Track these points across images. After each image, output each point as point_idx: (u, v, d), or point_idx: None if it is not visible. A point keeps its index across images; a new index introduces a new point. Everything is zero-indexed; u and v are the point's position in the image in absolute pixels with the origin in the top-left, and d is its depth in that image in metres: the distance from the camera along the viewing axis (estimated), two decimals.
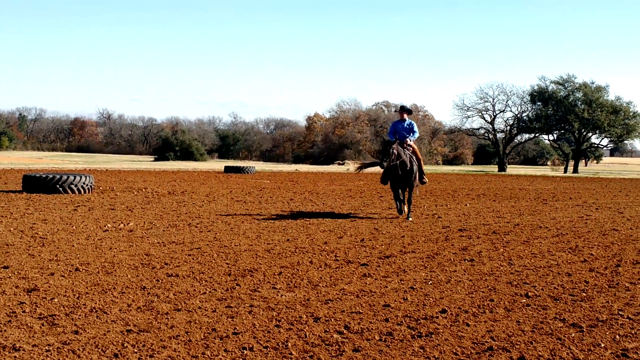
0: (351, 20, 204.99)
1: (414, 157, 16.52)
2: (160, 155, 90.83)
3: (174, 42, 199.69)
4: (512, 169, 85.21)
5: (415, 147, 16.86)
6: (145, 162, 69.26)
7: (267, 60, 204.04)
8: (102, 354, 5.37)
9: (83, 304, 6.93)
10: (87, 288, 7.71)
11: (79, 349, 5.44)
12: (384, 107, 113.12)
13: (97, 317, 6.47)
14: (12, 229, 12.54)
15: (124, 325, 6.20)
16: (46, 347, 5.47)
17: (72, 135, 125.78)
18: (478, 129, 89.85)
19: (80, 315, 6.51)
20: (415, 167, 16.39)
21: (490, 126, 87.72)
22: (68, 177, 21.45)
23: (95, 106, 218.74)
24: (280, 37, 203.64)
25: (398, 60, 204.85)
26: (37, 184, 21.33)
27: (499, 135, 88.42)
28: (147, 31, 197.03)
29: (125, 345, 5.59)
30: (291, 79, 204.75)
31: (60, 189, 21.15)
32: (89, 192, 21.79)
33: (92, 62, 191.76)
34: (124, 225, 13.52)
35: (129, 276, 8.47)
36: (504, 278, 8.96)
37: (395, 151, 15.87)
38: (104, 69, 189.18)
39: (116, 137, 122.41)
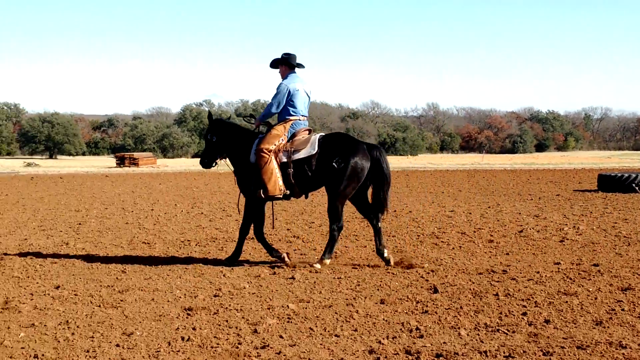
0: None
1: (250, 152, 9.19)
2: None
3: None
4: None
5: (276, 131, 9.10)
6: None
7: None
8: None
9: None
10: None
11: None
12: None
13: None
14: (594, 227, 12.66)
15: None
16: None
17: (638, 133, 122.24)
18: None
19: None
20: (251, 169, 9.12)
21: None
22: None
23: None
24: None
25: None
26: (611, 183, 21.28)
27: None
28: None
29: None
30: None
31: (637, 188, 20.70)
32: None
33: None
34: None
35: None
36: None
37: (210, 136, 9.52)
38: None
39: None
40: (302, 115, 9.29)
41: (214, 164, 9.66)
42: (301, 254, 9.97)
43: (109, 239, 11.62)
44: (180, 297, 7.24)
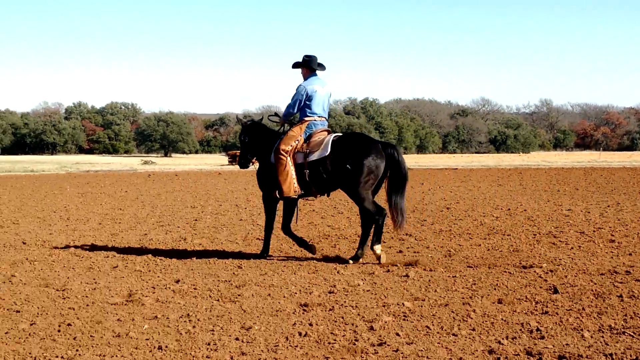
0: None
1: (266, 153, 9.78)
2: None
3: None
4: None
5: (292, 133, 9.42)
6: None
7: None
8: None
9: None
10: None
11: None
12: None
13: None
14: None
15: None
16: None
17: None
18: None
19: None
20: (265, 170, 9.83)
21: None
22: None
23: None
24: None
25: None
26: None
27: None
28: None
29: None
30: None
31: None
32: None
33: None
34: None
35: None
36: None
37: (243, 137, 10.05)
38: None
39: None
40: (319, 116, 9.45)
41: (249, 164, 10.19)
42: (414, 252, 9.89)
43: (225, 235, 11.91)
44: (295, 293, 7.32)
